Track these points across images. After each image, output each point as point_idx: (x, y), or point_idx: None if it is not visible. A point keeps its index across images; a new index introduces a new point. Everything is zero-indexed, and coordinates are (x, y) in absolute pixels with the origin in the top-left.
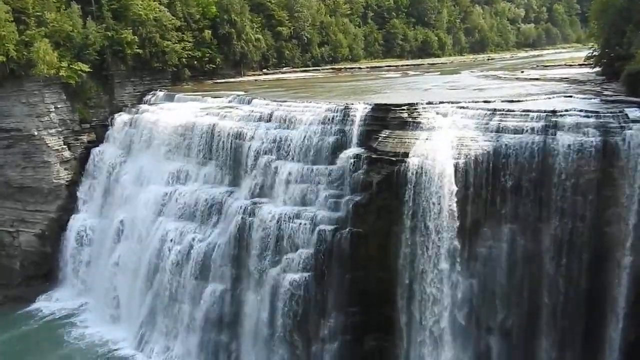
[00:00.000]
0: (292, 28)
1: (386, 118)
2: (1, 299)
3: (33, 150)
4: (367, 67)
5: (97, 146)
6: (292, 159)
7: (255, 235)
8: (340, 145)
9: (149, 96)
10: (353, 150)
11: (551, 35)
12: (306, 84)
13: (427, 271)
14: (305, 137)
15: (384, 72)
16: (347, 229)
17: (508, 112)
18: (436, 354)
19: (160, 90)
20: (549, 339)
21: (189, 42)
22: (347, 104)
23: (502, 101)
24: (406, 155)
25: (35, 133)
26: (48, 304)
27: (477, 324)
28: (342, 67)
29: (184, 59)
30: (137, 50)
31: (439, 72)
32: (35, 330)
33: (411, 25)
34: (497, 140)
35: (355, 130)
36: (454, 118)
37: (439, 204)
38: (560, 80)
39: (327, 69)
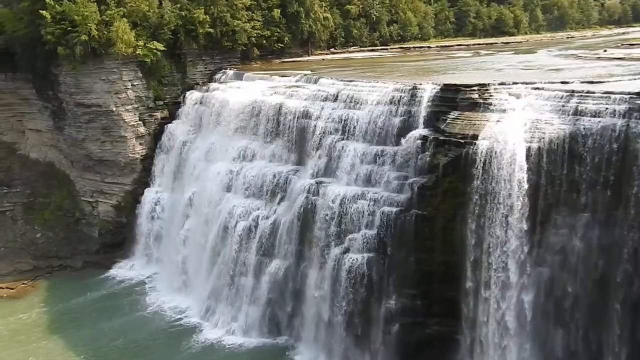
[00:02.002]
0: (360, 6)
1: (455, 99)
2: (81, 264)
3: (111, 125)
4: (437, 47)
5: (170, 123)
6: (358, 139)
7: (319, 214)
8: (406, 126)
9: (219, 75)
10: (420, 131)
11: (639, 12)
12: (374, 63)
13: (495, 257)
14: (371, 117)
15: (454, 52)
16: (412, 211)
17: (587, 94)
18: (501, 342)
19: (230, 69)
20: (617, 333)
21: (258, 21)
22: (414, 84)
23: (581, 82)
24: (475, 137)
25: (114, 109)
26: (122, 271)
27: (545, 314)
28: (411, 46)
29: (253, 38)
30: (209, 30)
31: (512, 52)
32: (109, 295)
33: (485, 2)
34: (574, 124)
35: (422, 111)
36: (527, 99)
37: (509, 188)
38: None
39: (395, 48)
